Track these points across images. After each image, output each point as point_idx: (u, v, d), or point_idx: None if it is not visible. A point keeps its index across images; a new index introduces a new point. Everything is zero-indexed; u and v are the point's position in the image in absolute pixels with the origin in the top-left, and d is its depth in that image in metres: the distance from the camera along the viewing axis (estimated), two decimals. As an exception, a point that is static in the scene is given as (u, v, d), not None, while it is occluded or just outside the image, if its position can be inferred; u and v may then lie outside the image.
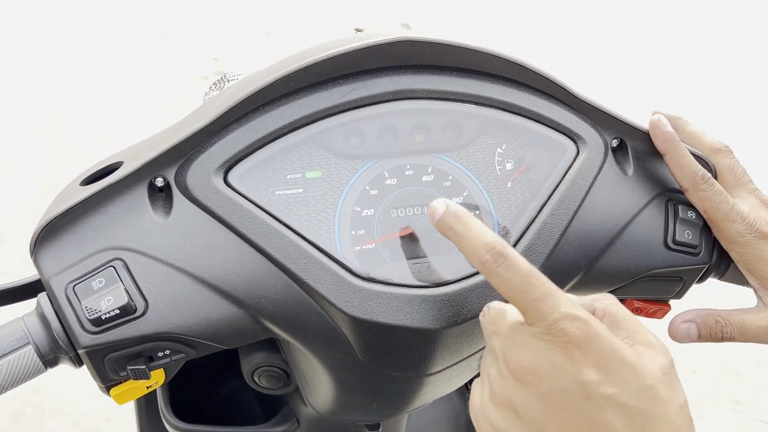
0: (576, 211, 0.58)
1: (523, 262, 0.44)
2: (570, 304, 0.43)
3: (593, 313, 0.46)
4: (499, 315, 0.47)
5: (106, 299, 0.50)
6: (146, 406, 0.93)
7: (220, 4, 3.42)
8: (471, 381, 0.78)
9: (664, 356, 0.44)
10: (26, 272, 0.57)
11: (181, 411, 0.88)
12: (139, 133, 2.58)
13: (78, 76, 2.90)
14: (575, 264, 0.59)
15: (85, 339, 0.50)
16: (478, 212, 0.57)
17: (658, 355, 0.44)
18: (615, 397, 0.41)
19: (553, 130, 0.60)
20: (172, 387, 0.87)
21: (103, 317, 0.49)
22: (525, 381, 0.43)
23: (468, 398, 0.78)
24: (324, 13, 3.42)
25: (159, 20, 3.26)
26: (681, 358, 1.94)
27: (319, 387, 0.65)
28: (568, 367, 0.42)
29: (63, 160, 2.52)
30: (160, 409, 0.86)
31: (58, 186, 0.57)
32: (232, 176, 0.54)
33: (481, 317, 0.49)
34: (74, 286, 0.50)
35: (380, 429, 0.73)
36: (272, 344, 0.70)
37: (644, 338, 0.45)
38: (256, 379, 0.74)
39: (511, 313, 0.46)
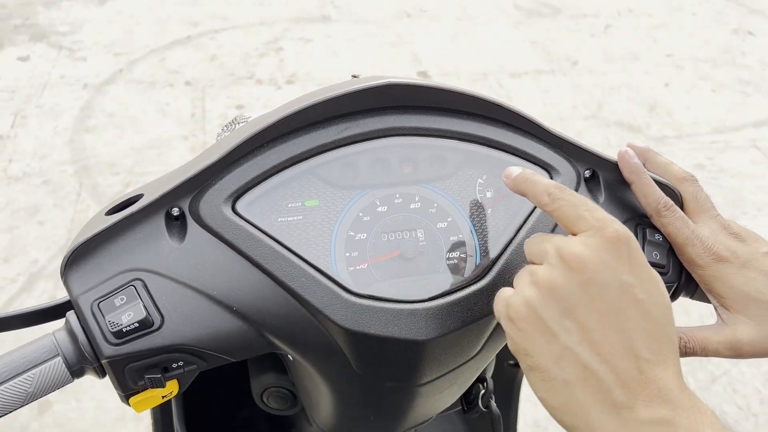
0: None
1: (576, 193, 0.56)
2: (616, 219, 0.53)
3: None
4: (544, 235, 0.56)
5: (127, 314, 0.56)
6: None
7: (243, 55, 3.55)
8: (466, 404, 0.83)
9: None
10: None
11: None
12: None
13: (104, 126, 3.03)
14: None
15: (108, 350, 0.56)
16: (461, 236, 0.63)
17: None
18: (643, 302, 0.50)
19: (529, 162, 0.66)
20: (187, 415, 0.91)
21: (123, 330, 0.56)
22: (574, 268, 0.51)
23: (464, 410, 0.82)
24: (344, 63, 3.53)
25: (184, 69, 3.39)
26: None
27: (321, 402, 0.70)
28: (614, 265, 0.50)
29: (91, 203, 2.63)
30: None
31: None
32: (240, 205, 0.60)
33: (526, 243, 0.58)
34: (99, 303, 0.57)
35: None
36: (280, 367, 0.76)
37: None
38: (265, 400, 0.79)
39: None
